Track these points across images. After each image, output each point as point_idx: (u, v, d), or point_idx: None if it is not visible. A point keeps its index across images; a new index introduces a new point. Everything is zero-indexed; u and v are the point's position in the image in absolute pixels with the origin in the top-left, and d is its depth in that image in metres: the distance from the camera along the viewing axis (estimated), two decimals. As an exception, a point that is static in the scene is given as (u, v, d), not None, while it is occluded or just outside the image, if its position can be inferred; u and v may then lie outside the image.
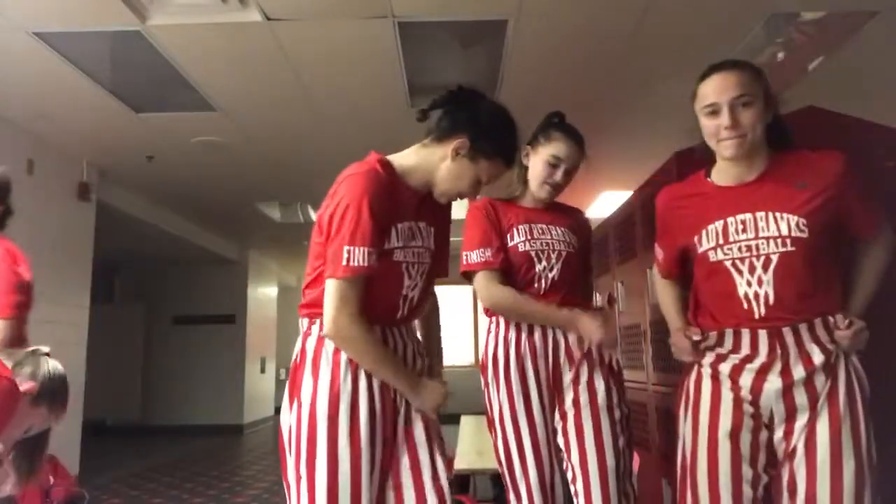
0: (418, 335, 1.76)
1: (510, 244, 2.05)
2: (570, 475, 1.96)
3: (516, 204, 2.14)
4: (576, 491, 1.93)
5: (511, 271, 2.05)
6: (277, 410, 1.62)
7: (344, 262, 1.47)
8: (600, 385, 1.98)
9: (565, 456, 1.97)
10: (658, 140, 4.09)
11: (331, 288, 1.50)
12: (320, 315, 1.53)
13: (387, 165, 1.60)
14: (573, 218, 2.18)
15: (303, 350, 1.58)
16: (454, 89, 1.65)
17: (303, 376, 1.56)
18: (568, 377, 2.00)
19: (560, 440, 1.99)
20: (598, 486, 1.89)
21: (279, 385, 11.18)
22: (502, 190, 2.15)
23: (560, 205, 2.20)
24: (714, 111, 1.61)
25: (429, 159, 1.63)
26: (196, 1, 3.05)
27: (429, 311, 1.82)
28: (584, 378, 1.99)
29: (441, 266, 1.75)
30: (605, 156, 5.26)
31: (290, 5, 3.10)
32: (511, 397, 1.99)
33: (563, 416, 1.99)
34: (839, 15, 3.21)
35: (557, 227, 2.09)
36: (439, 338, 1.90)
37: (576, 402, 1.98)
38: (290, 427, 1.54)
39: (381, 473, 1.55)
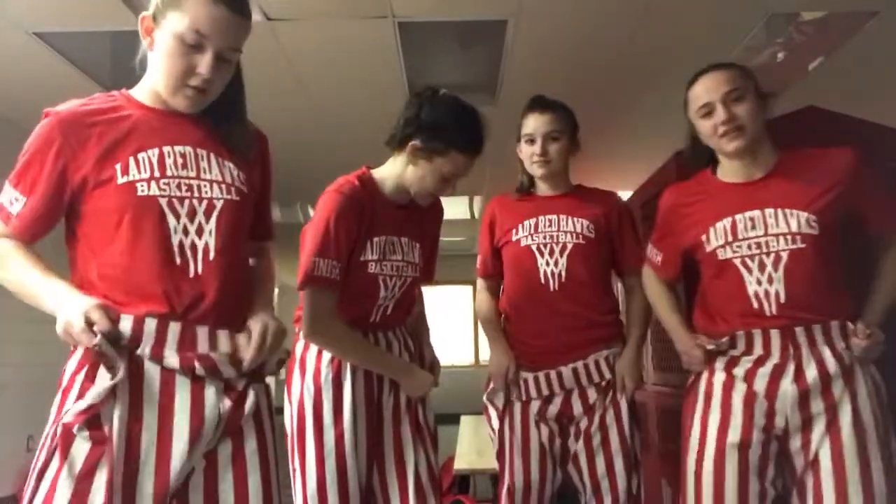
0: (404, 332, 1.80)
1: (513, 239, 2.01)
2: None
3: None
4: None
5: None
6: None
7: (311, 272, 1.57)
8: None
9: (576, 476, 1.96)
10: (658, 140, 4.07)
11: (304, 296, 1.61)
12: None
13: (367, 179, 1.69)
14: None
15: (292, 353, 1.71)
16: (409, 98, 1.70)
17: (292, 377, 1.70)
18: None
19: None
20: None
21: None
22: None
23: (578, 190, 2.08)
24: (709, 111, 1.61)
25: (395, 169, 1.70)
26: (196, 1, 3.04)
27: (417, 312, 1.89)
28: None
29: (427, 275, 1.83)
30: (605, 155, 5.25)
31: (291, 5, 3.10)
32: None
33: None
34: (839, 15, 3.20)
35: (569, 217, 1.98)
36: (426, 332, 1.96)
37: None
38: (286, 424, 1.67)
39: (367, 463, 1.64)
